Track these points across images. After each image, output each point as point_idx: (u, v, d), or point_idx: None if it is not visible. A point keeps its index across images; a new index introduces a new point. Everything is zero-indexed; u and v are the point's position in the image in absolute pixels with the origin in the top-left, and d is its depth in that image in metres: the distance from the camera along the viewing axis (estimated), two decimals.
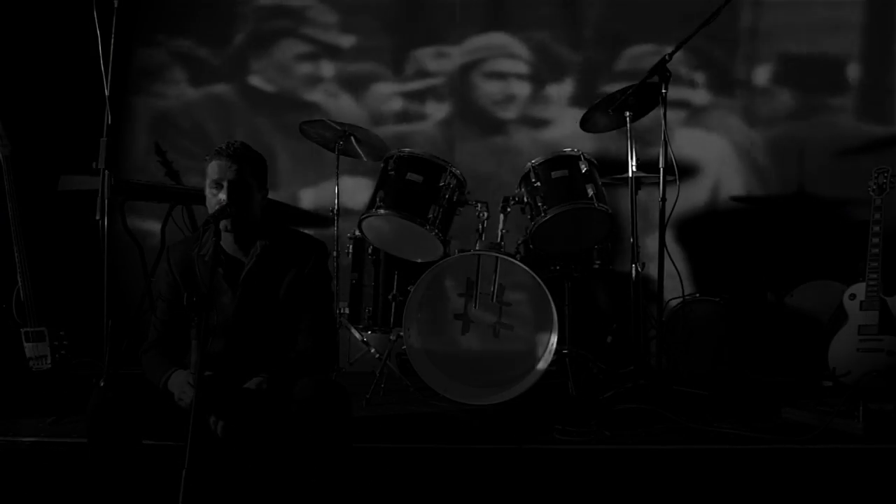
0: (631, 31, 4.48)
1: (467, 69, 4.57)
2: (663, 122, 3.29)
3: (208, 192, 2.43)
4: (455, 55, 4.57)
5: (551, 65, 4.54)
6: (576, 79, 4.54)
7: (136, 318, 3.69)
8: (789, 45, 4.43)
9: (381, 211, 3.41)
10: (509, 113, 4.57)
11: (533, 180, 3.51)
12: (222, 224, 2.39)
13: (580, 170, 3.48)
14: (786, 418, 3.03)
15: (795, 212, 4.40)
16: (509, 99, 4.57)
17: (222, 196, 2.38)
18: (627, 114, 3.58)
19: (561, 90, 4.54)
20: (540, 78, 4.55)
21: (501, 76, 4.58)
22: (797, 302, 4.01)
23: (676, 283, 3.77)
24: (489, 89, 4.58)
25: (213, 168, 2.42)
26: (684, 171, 4.02)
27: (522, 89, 4.57)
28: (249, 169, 2.43)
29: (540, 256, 3.71)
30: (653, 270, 3.44)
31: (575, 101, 4.50)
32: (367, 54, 4.59)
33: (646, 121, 3.76)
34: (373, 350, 3.67)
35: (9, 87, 4.03)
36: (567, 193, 3.43)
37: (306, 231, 2.71)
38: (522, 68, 4.57)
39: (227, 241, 2.48)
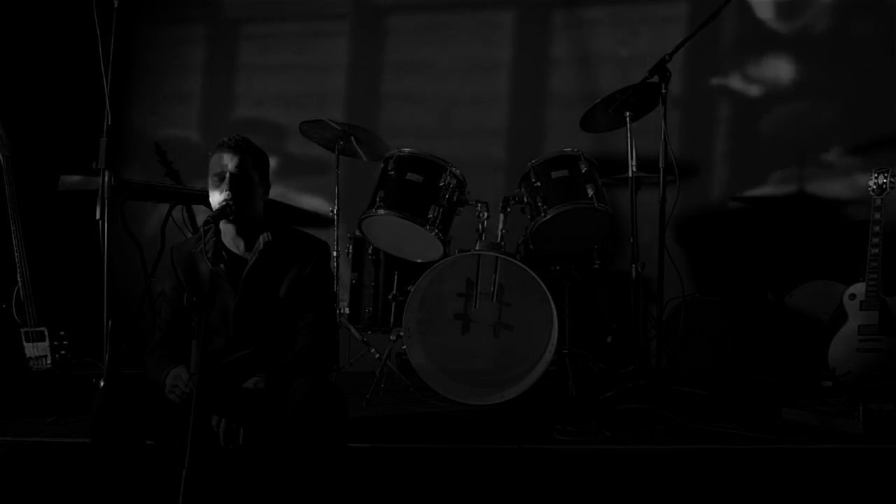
0: None
1: None
2: (663, 121, 3.29)
3: (211, 185, 2.41)
4: None
5: None
6: None
7: (136, 318, 3.70)
8: None
9: (381, 211, 3.41)
10: None
11: (533, 180, 3.50)
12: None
13: (580, 170, 3.48)
14: (786, 418, 3.02)
15: (795, 212, 4.40)
16: None
17: (225, 189, 2.36)
18: (627, 114, 3.58)
19: None
20: None
21: None
22: (797, 302, 4.01)
23: (676, 283, 3.77)
24: None
25: (215, 161, 2.41)
26: None
27: None
28: (252, 161, 2.42)
29: (540, 256, 3.71)
30: (653, 270, 3.44)
31: None
32: None
33: None
34: (373, 350, 3.67)
35: (9, 87, 4.03)
36: (567, 193, 3.43)
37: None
38: None
39: (228, 235, 2.46)
